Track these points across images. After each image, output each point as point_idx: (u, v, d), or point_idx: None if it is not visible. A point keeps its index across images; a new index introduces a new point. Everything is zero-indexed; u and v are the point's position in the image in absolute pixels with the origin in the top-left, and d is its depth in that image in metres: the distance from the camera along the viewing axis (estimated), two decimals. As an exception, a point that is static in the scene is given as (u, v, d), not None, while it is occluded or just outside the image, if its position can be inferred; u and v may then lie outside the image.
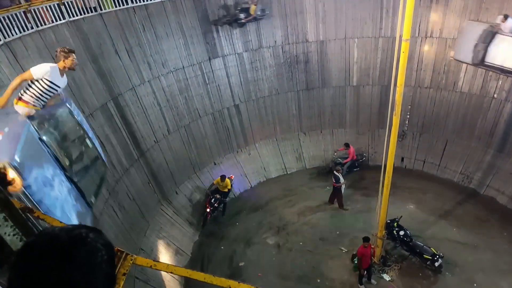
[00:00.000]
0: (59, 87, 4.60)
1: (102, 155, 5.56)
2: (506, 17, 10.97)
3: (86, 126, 5.23)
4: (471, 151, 13.79)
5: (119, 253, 1.82)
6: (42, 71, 4.35)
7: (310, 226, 12.63)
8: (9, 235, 1.94)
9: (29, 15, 8.26)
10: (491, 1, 11.78)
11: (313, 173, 15.43)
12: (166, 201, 12.54)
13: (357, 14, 13.87)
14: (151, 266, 1.83)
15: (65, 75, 4.72)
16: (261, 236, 12.43)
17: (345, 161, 14.54)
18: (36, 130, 4.13)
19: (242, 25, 13.44)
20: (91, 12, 9.93)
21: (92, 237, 1.05)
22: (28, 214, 2.28)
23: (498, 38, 11.35)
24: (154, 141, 12.15)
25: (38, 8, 8.52)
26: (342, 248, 11.52)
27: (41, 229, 2.31)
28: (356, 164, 14.96)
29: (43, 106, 4.52)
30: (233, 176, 13.65)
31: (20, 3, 8.56)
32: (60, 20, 9.03)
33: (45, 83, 4.39)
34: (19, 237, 1.98)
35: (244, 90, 14.55)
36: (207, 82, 13.49)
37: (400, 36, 7.59)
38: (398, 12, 7.42)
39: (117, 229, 9.70)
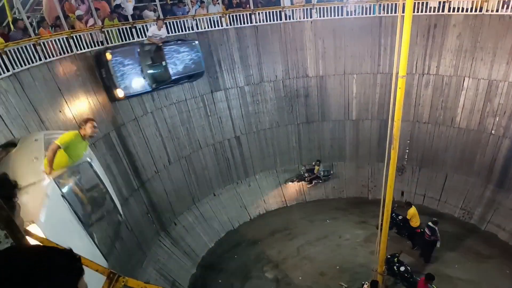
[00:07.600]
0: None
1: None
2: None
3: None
4: (470, 186, 13.78)
5: (111, 275, 1.92)
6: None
7: (310, 260, 12.43)
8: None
9: (38, 47, 8.59)
10: (485, 40, 12.17)
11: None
12: (164, 232, 12.44)
13: (355, 51, 14.29)
14: (142, 288, 1.91)
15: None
16: (260, 270, 12.22)
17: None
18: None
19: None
20: (98, 46, 10.37)
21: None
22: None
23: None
24: (155, 171, 12.23)
25: (46, 41, 8.87)
26: (342, 283, 11.28)
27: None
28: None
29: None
30: None
31: (31, 36, 8.92)
32: (67, 52, 9.39)
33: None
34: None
35: (245, 122, 14.79)
36: (209, 114, 13.74)
37: (397, 73, 7.84)
38: (395, 49, 7.71)
39: (114, 260, 9.56)
